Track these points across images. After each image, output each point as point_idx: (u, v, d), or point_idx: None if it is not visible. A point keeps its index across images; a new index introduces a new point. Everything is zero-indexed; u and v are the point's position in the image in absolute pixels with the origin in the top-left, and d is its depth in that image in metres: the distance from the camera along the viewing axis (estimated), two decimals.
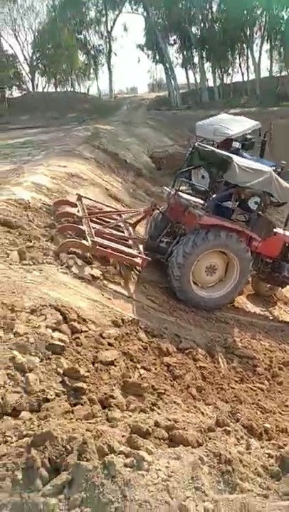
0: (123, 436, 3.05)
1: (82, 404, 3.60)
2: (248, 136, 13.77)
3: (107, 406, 3.70)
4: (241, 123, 14.29)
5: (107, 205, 9.22)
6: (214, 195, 7.31)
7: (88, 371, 4.13)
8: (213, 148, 7.69)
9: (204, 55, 33.45)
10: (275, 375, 5.73)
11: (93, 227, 6.93)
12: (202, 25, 32.76)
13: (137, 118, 28.54)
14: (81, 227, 6.89)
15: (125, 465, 2.59)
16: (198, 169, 11.68)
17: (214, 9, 32.08)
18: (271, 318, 8.06)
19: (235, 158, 6.75)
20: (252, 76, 33.62)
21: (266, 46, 33.17)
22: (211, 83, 35.18)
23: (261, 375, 5.66)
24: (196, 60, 35.43)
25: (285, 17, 29.23)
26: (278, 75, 33.37)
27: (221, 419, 3.79)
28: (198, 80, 36.38)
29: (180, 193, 7.59)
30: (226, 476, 2.68)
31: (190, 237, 6.60)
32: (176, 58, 37.20)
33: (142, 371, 4.65)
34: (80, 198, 8.03)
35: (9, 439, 3.02)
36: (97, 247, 6.41)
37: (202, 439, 3.27)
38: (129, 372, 4.48)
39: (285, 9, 28.86)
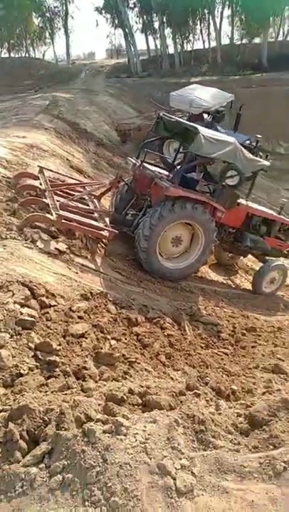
0: (99, 404, 3.14)
1: (56, 377, 3.65)
2: (220, 109, 13.67)
3: (80, 377, 3.77)
4: (216, 95, 14.08)
5: (70, 177, 9.02)
6: (179, 167, 7.32)
7: (60, 344, 4.16)
8: (178, 119, 7.62)
9: (165, 21, 32.47)
10: (238, 340, 5.98)
11: (57, 200, 6.78)
12: None
13: (97, 85, 27.66)
14: (44, 200, 6.71)
15: (104, 431, 2.69)
16: (170, 141, 11.58)
17: None
18: (233, 286, 8.36)
19: (201, 128, 6.73)
20: (213, 43, 33.18)
21: (227, 12, 32.73)
22: (171, 50, 34.40)
23: (225, 340, 5.89)
24: (156, 25, 34.41)
25: None
26: (239, 42, 33.07)
27: (191, 383, 3.97)
28: (159, 47, 35.49)
29: (145, 165, 7.53)
30: (200, 435, 2.85)
31: (156, 209, 6.62)
32: (136, 23, 36.00)
33: (112, 342, 4.73)
34: (41, 170, 7.78)
35: None
36: (63, 220, 6.28)
37: (174, 403, 3.42)
38: (100, 343, 4.55)
39: None
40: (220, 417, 3.18)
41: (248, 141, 10.47)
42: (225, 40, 33.79)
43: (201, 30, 34.98)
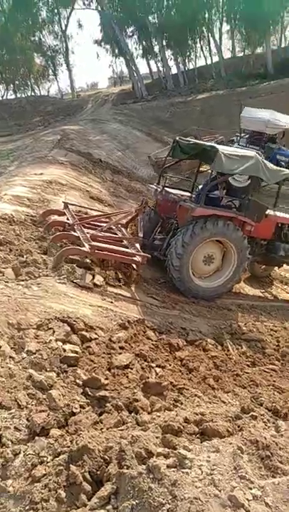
0: (157, 437, 3.09)
1: (108, 413, 3.62)
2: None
3: (132, 410, 3.72)
4: (283, 116, 14.79)
5: (93, 209, 9.17)
6: (201, 186, 7.38)
7: (107, 378, 4.14)
8: (195, 141, 7.74)
9: (164, 43, 33.25)
10: (284, 354, 5.81)
11: (87, 233, 6.89)
12: (159, 12, 32.52)
13: (104, 114, 28.35)
14: (74, 233, 6.81)
15: (168, 466, 2.64)
16: None
17: None
18: (271, 298, 8.19)
19: (220, 147, 6.78)
20: (215, 58, 33.65)
21: (226, 27, 33.24)
22: (174, 70, 35.13)
23: (271, 355, 5.73)
24: (156, 49, 35.24)
25: None
26: (241, 54, 33.46)
27: (245, 406, 3.87)
28: (162, 69, 36.25)
29: (167, 189, 7.65)
30: (266, 461, 2.75)
31: (188, 227, 6.62)
32: (136, 49, 37.05)
33: (157, 369, 4.68)
34: (66, 205, 7.95)
35: (45, 459, 3.03)
36: (96, 250, 6.35)
37: (232, 428, 3.34)
38: (146, 372, 4.51)
39: None
40: (282, 439, 3.07)
41: None
42: (227, 54, 34.35)
43: (201, 48, 35.63)
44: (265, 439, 2.91)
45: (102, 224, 7.53)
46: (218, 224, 6.62)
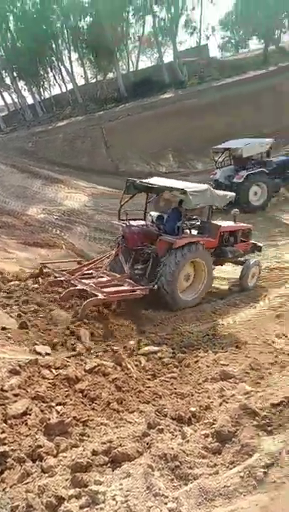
0: (66, 479, 2.92)
1: (10, 468, 3.31)
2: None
3: (37, 458, 3.47)
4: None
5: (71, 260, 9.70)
6: (166, 219, 8.73)
7: (3, 431, 3.80)
8: (159, 184, 8.58)
9: (15, 75, 32.80)
10: (180, 359, 6.02)
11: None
12: (4, 45, 31.99)
13: None
14: (76, 288, 7.29)
15: (81, 507, 2.50)
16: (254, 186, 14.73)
17: (12, 29, 31.38)
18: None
19: (186, 187, 7.98)
20: (70, 86, 34.25)
21: (75, 55, 34.13)
22: (30, 100, 34.77)
23: (169, 364, 5.88)
24: (8, 80, 34.53)
25: (84, 26, 30.59)
26: (94, 80, 34.71)
27: (150, 421, 3.88)
28: (17, 100, 35.62)
29: (131, 223, 8.71)
30: (176, 471, 2.79)
31: (176, 251, 7.87)
32: None
33: (58, 408, 4.43)
34: (44, 265, 8.38)
35: None
36: (110, 295, 7.02)
37: (141, 447, 3.32)
38: (46, 414, 4.25)
39: (82, 18, 30.23)
40: (189, 445, 3.16)
41: None
42: (81, 81, 35.30)
43: (54, 77, 35.92)
44: (173, 449, 2.96)
45: (91, 272, 8.11)
46: (200, 248, 8.19)
